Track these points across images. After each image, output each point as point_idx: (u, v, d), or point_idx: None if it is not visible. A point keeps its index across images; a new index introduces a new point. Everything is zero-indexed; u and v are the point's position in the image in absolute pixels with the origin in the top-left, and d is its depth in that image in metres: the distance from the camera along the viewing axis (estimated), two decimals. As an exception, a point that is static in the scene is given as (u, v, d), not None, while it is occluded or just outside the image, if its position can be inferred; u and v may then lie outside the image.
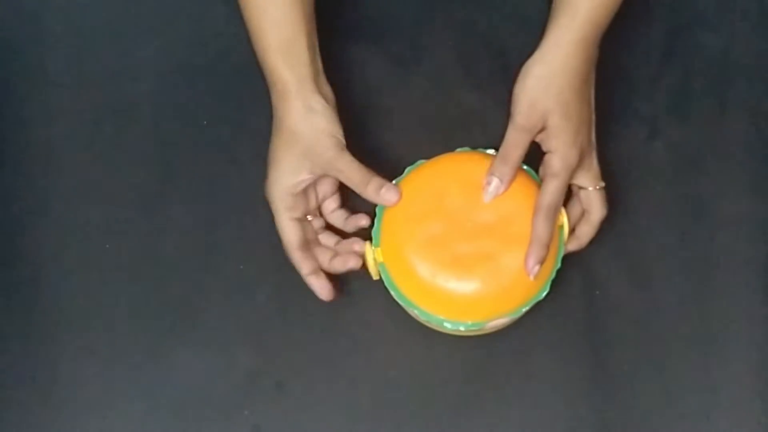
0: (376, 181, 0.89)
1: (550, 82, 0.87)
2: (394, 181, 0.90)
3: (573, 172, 0.89)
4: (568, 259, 0.91)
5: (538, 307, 0.90)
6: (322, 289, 0.91)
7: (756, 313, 0.94)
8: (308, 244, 0.92)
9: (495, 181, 0.87)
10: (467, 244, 0.87)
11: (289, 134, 0.89)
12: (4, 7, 1.03)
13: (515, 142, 0.87)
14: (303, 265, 0.91)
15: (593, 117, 0.91)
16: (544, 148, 0.88)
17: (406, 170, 0.91)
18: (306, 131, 0.89)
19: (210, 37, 1.02)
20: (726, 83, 1.00)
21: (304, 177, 0.90)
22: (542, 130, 0.88)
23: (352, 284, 0.94)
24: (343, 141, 0.90)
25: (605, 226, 0.91)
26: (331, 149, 0.89)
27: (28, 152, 0.99)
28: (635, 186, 0.97)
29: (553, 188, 0.88)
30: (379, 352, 0.93)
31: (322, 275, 0.91)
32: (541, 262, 0.86)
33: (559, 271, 0.89)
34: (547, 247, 0.87)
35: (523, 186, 0.89)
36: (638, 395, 0.92)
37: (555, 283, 0.89)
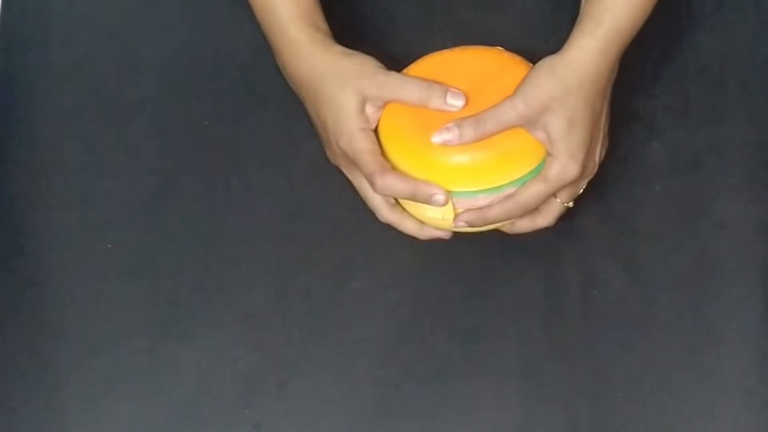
0: (438, 88, 0.87)
1: (563, 80, 0.86)
2: None
3: (565, 186, 0.88)
4: (568, 259, 0.91)
5: (536, 307, 0.90)
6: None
7: (756, 313, 0.94)
8: None
9: (454, 133, 0.86)
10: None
11: (332, 80, 0.88)
12: (6, 7, 1.03)
13: (500, 117, 0.86)
14: (403, 180, 0.88)
15: (605, 142, 0.91)
16: (548, 149, 0.87)
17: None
18: (350, 66, 0.88)
19: (210, 37, 1.02)
20: (725, 83, 1.00)
21: (370, 110, 0.88)
22: (537, 128, 0.86)
23: (353, 283, 0.94)
24: None
25: (606, 226, 0.91)
26: (381, 71, 0.88)
27: (28, 152, 0.99)
28: (634, 186, 0.97)
29: (536, 191, 0.87)
30: (379, 351, 0.93)
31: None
32: (472, 225, 0.87)
33: (558, 271, 0.89)
34: (487, 223, 0.88)
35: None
36: (637, 395, 0.92)
37: (554, 283, 0.89)
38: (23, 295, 0.95)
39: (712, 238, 0.96)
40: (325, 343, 0.93)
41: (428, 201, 0.87)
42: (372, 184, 0.88)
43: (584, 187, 0.91)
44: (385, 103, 0.88)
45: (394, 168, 0.87)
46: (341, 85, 0.88)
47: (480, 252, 0.95)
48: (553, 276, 0.93)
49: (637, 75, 1.00)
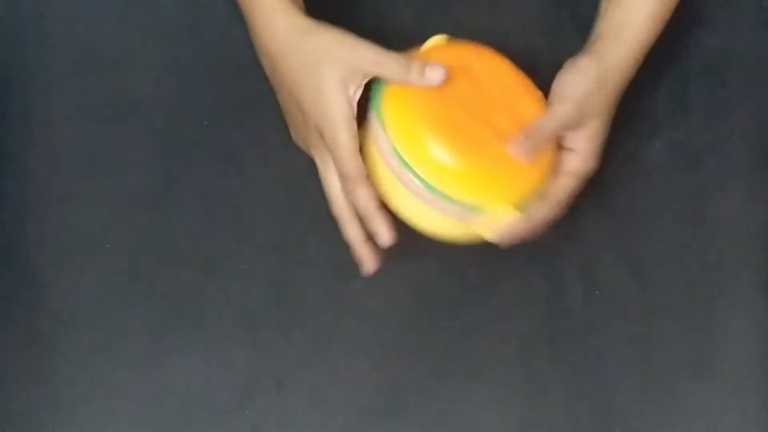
0: (416, 63, 0.85)
1: (608, 88, 0.88)
2: None
3: (585, 177, 0.88)
4: (570, 259, 0.91)
5: (537, 307, 0.90)
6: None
7: (756, 313, 0.94)
8: None
9: (527, 144, 0.84)
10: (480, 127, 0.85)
11: (311, 54, 0.85)
12: (4, 7, 1.03)
13: (560, 122, 0.86)
14: (372, 199, 0.86)
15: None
16: (566, 143, 0.87)
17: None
18: (330, 38, 0.85)
19: (210, 37, 1.02)
20: (726, 83, 1.00)
21: (350, 92, 0.85)
22: (578, 129, 0.87)
23: (353, 284, 0.94)
24: None
25: (605, 227, 0.91)
26: (361, 43, 0.85)
27: (28, 152, 0.99)
28: (635, 186, 0.97)
29: (567, 185, 0.87)
30: (379, 352, 0.93)
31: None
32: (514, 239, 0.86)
33: (558, 271, 0.89)
34: (533, 226, 0.86)
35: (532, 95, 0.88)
36: (638, 395, 0.92)
37: (554, 283, 0.89)
38: (22, 295, 0.95)
39: (714, 238, 0.96)
40: (325, 344, 0.93)
41: (373, 233, 0.86)
42: (344, 185, 0.87)
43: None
44: (366, 80, 0.86)
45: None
46: (320, 60, 0.85)
47: (481, 252, 0.95)
48: (554, 276, 0.93)
49: (638, 74, 1.00)
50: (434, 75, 0.84)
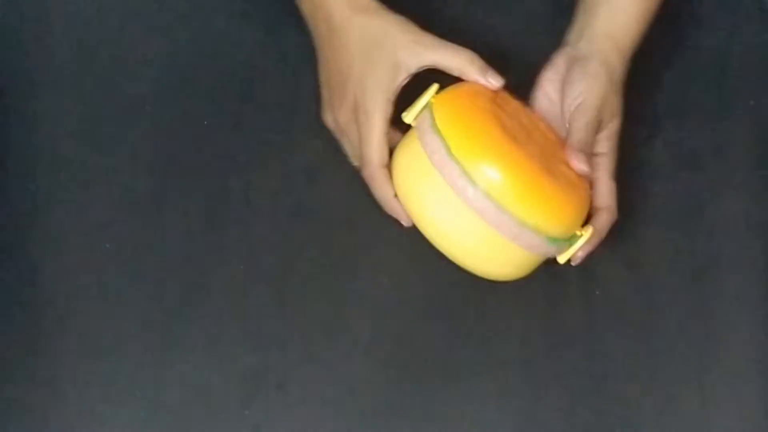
0: (479, 59, 0.87)
1: (618, 88, 0.90)
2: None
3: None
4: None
5: (537, 307, 0.90)
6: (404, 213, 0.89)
7: (756, 313, 0.94)
8: None
9: (585, 158, 0.86)
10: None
11: (369, 33, 0.87)
12: (4, 7, 1.03)
13: (589, 128, 0.88)
14: (389, 187, 0.89)
15: None
16: (595, 149, 0.90)
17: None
18: (390, 23, 0.87)
19: (210, 38, 1.02)
20: (726, 83, 1.00)
21: (401, 76, 0.87)
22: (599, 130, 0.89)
23: (353, 283, 0.94)
24: None
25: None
26: (422, 31, 0.87)
27: (28, 152, 0.99)
28: (635, 186, 0.97)
29: (611, 188, 0.89)
30: (379, 352, 0.93)
31: None
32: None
33: (558, 271, 0.89)
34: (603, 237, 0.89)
35: None
36: (638, 395, 0.92)
37: (554, 283, 0.89)
38: (22, 295, 0.94)
39: (714, 238, 0.96)
40: (325, 344, 0.93)
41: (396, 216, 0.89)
42: (363, 169, 0.89)
43: None
44: (419, 68, 0.87)
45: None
46: (382, 39, 0.87)
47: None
48: (554, 276, 0.93)
49: (638, 75, 1.00)
50: (496, 78, 0.87)
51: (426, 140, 0.85)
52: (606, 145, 0.90)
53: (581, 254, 0.88)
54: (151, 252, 0.95)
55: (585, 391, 0.92)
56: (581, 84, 0.89)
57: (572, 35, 0.93)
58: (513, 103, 0.88)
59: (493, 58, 1.00)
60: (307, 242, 0.96)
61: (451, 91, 0.87)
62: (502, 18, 1.02)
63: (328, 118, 0.93)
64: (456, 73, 0.87)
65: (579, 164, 0.85)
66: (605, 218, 0.89)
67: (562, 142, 0.88)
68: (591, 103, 0.88)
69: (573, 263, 0.88)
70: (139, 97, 1.00)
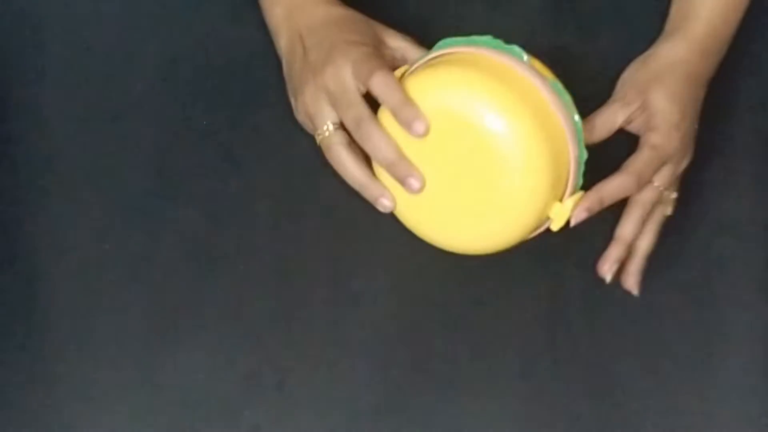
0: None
1: (654, 68, 0.89)
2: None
3: (669, 156, 0.89)
4: (568, 258, 0.91)
5: (538, 307, 0.90)
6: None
7: (756, 313, 0.94)
8: None
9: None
10: None
11: (339, 17, 0.88)
12: (2, 7, 1.03)
13: (612, 121, 0.88)
14: (392, 144, 0.86)
15: (696, 130, 0.92)
16: (644, 130, 0.89)
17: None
18: (345, 11, 0.89)
19: (210, 37, 1.02)
20: (726, 83, 1.00)
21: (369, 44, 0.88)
22: (641, 111, 0.88)
23: (353, 283, 0.94)
24: None
25: (608, 227, 0.91)
26: (373, 23, 0.89)
27: (28, 152, 0.99)
28: (635, 186, 0.97)
29: (646, 158, 0.87)
30: (380, 352, 0.93)
31: None
32: (592, 211, 0.86)
33: (558, 271, 0.89)
34: (605, 204, 0.86)
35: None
36: (638, 395, 0.92)
37: (554, 283, 0.89)
38: (21, 295, 0.94)
39: (715, 239, 0.96)
40: (325, 344, 0.93)
41: (403, 177, 0.85)
42: (356, 132, 0.86)
43: (681, 174, 0.92)
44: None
45: None
46: (353, 19, 0.90)
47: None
48: (555, 276, 0.93)
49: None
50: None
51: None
52: (654, 121, 0.89)
53: (577, 215, 0.86)
54: (151, 252, 0.95)
55: (585, 391, 0.92)
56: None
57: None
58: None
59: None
60: (307, 242, 0.96)
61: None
62: (502, 19, 1.02)
63: (301, 117, 0.92)
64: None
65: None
66: (616, 180, 0.87)
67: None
68: (620, 82, 0.91)
69: (572, 224, 0.87)
70: (138, 96, 1.00)
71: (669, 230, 0.96)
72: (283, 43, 0.91)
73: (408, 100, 0.83)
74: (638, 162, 0.87)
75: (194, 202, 0.97)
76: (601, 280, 0.93)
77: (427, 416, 0.92)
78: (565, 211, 0.85)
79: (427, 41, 0.99)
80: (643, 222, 0.89)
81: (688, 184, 0.97)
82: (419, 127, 0.83)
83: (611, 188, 0.86)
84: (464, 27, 1.01)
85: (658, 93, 0.88)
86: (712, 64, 0.92)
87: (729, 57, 1.00)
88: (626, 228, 0.88)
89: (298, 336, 0.94)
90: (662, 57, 0.90)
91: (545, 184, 0.83)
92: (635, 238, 0.89)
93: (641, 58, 0.92)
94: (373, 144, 0.85)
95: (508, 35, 1.00)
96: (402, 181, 0.85)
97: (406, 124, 0.83)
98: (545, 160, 0.83)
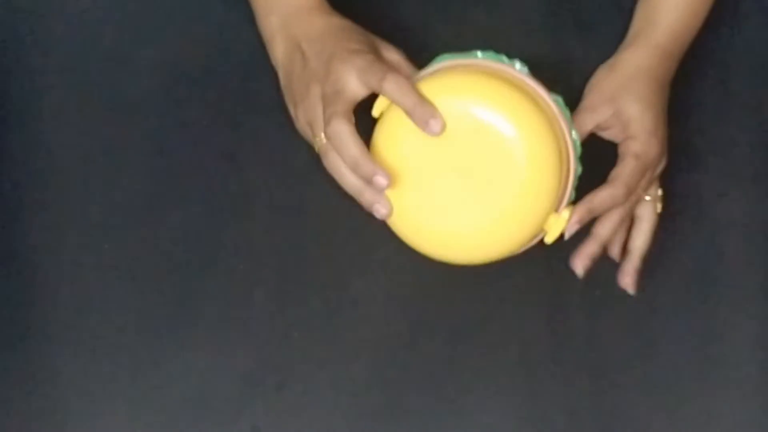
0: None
1: (621, 73, 0.90)
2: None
3: (651, 162, 0.89)
4: (568, 257, 0.91)
5: (538, 307, 0.90)
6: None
7: (756, 313, 0.94)
8: None
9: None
10: None
11: (337, 26, 0.88)
12: (2, 7, 1.03)
13: (581, 129, 0.88)
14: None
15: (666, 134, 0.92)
16: (621, 138, 0.89)
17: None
18: (343, 21, 0.89)
19: (210, 37, 1.01)
20: (728, 83, 1.00)
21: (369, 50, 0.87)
22: (612, 123, 0.89)
23: (353, 284, 0.94)
24: None
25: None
26: (370, 35, 0.89)
27: (28, 152, 0.99)
28: (636, 185, 0.97)
29: (631, 167, 0.88)
30: (379, 352, 0.93)
31: None
32: (582, 221, 0.86)
33: (558, 271, 0.89)
34: (596, 214, 0.87)
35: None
36: (638, 396, 0.92)
37: (554, 283, 0.89)
38: (21, 295, 0.95)
39: (716, 238, 0.96)
40: (324, 344, 0.93)
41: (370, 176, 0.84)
42: (328, 117, 0.85)
43: (658, 176, 0.93)
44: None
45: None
46: (350, 29, 0.89)
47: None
48: (554, 276, 0.93)
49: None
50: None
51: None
52: (632, 129, 0.89)
53: (571, 230, 0.86)
54: (151, 252, 0.95)
55: (585, 391, 0.92)
56: (596, 73, 0.92)
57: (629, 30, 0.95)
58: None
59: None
60: (307, 242, 0.96)
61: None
62: (502, 19, 1.01)
63: (300, 126, 0.92)
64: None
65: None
66: (603, 191, 0.87)
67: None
68: (587, 89, 0.91)
69: (566, 237, 0.87)
70: (139, 97, 1.00)
71: (669, 230, 0.96)
72: (279, 52, 0.91)
73: (424, 99, 0.83)
74: (625, 173, 0.88)
75: (194, 202, 0.97)
76: (601, 281, 0.93)
77: (426, 416, 0.92)
78: (561, 222, 0.85)
79: (426, 42, 1.00)
80: (622, 221, 0.90)
81: (687, 184, 0.97)
82: (436, 125, 0.82)
83: (600, 200, 0.87)
84: (464, 28, 1.01)
85: (629, 101, 0.89)
86: (674, 67, 0.93)
87: (728, 57, 1.01)
88: (603, 226, 0.89)
89: (297, 336, 0.94)
90: (627, 63, 0.91)
91: (551, 192, 0.83)
92: (611, 237, 0.90)
93: (606, 64, 0.92)
94: (341, 140, 0.84)
95: (507, 36, 1.00)
96: (369, 180, 0.83)
97: (423, 123, 0.82)
98: (554, 169, 0.83)
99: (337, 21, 0.90)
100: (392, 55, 0.90)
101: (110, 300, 0.94)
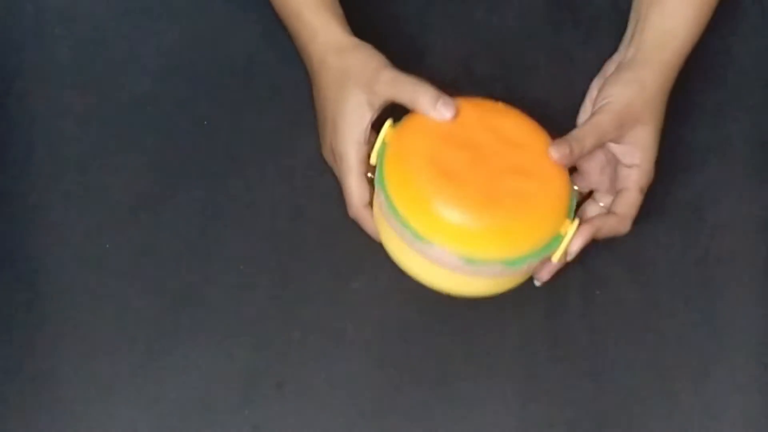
0: (432, 91, 0.86)
1: (648, 95, 0.88)
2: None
3: (646, 189, 0.89)
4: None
5: (537, 307, 0.90)
6: None
7: (756, 313, 0.94)
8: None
9: (565, 149, 0.85)
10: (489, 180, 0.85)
11: (339, 74, 0.88)
12: (3, 7, 1.03)
13: (599, 132, 0.87)
14: (371, 224, 0.90)
15: None
16: (624, 160, 0.88)
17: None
18: (355, 62, 0.88)
19: (210, 37, 1.02)
20: (726, 83, 1.00)
21: (367, 115, 0.87)
22: (626, 140, 0.88)
23: (353, 284, 0.94)
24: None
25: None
26: (383, 67, 0.87)
27: (28, 152, 0.99)
28: (636, 185, 0.97)
29: (632, 199, 0.88)
30: (379, 352, 0.93)
31: None
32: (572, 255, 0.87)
33: (560, 271, 0.89)
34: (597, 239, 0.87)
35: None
36: (638, 396, 0.92)
37: (554, 283, 0.89)
38: (21, 295, 0.95)
39: (714, 238, 0.96)
40: (325, 344, 0.93)
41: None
42: (348, 207, 0.90)
43: None
44: (382, 106, 0.88)
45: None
46: (347, 80, 0.88)
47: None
48: (555, 276, 0.93)
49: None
50: (447, 108, 0.85)
51: (376, 190, 0.87)
52: (638, 156, 0.88)
53: (574, 248, 0.87)
54: (151, 252, 0.95)
55: (585, 391, 0.92)
56: (611, 88, 0.89)
57: (624, 41, 0.93)
58: (475, 118, 0.87)
59: (492, 58, 1.01)
60: (307, 242, 0.96)
61: (402, 128, 0.87)
62: (502, 18, 1.02)
63: (325, 154, 0.94)
64: (410, 107, 0.87)
65: (553, 152, 0.85)
66: (612, 221, 0.88)
67: (541, 145, 0.87)
68: (611, 107, 0.88)
69: (568, 258, 0.88)
70: (139, 96, 1.00)
71: (669, 230, 0.96)
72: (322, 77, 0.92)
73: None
74: (631, 206, 0.88)
75: (194, 202, 0.97)
76: (602, 281, 0.93)
77: (426, 416, 0.92)
78: (568, 235, 0.86)
79: (426, 42, 1.00)
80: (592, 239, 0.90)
81: (687, 184, 0.97)
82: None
83: (606, 229, 0.88)
84: (464, 28, 1.01)
85: (649, 129, 0.88)
86: (674, 77, 0.92)
87: (728, 57, 1.01)
88: (575, 245, 0.87)
89: (298, 335, 0.93)
90: (648, 87, 0.89)
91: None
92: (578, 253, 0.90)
93: (629, 76, 0.89)
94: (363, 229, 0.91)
95: (507, 35, 1.00)
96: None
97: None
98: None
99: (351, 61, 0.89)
100: (404, 96, 0.88)
101: (110, 300, 0.94)
